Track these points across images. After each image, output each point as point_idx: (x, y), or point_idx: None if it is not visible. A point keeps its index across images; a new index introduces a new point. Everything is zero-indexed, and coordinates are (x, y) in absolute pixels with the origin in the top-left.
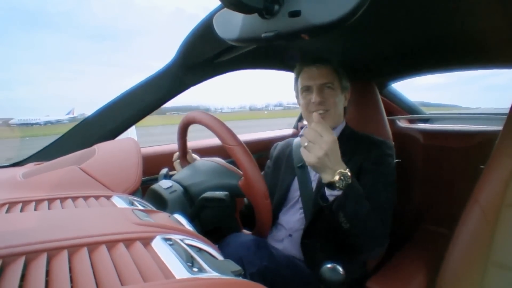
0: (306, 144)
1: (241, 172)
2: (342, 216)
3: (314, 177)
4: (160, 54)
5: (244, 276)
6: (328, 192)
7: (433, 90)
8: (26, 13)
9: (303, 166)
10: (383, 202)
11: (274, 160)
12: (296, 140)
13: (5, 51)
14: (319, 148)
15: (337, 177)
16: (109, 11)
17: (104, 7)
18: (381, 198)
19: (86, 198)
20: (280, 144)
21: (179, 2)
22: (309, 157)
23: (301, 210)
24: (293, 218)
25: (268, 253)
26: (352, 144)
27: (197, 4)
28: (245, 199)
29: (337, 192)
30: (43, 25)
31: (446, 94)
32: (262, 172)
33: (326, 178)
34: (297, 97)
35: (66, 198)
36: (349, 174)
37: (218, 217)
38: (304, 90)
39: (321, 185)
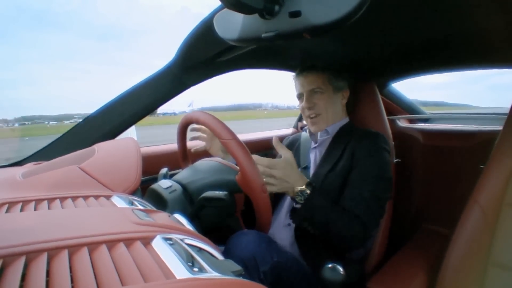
0: (264, 180)
1: (238, 168)
2: (307, 225)
3: (313, 176)
4: (165, 53)
5: (258, 275)
6: (296, 205)
7: (437, 89)
8: (32, 13)
9: (307, 168)
10: (366, 197)
11: None
12: (304, 136)
13: (10, 50)
14: (273, 180)
15: (297, 190)
16: (115, 10)
17: (109, 6)
18: (365, 192)
19: (85, 197)
20: (288, 139)
21: (184, 1)
22: (271, 189)
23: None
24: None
25: (277, 247)
26: (348, 137)
27: (202, 3)
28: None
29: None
30: (49, 25)
31: (450, 93)
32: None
33: (289, 194)
34: None
35: (65, 197)
36: (307, 191)
37: (218, 216)
38: (298, 98)
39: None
